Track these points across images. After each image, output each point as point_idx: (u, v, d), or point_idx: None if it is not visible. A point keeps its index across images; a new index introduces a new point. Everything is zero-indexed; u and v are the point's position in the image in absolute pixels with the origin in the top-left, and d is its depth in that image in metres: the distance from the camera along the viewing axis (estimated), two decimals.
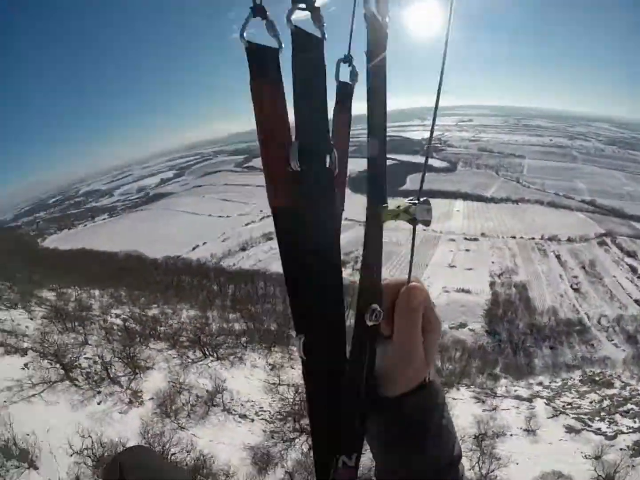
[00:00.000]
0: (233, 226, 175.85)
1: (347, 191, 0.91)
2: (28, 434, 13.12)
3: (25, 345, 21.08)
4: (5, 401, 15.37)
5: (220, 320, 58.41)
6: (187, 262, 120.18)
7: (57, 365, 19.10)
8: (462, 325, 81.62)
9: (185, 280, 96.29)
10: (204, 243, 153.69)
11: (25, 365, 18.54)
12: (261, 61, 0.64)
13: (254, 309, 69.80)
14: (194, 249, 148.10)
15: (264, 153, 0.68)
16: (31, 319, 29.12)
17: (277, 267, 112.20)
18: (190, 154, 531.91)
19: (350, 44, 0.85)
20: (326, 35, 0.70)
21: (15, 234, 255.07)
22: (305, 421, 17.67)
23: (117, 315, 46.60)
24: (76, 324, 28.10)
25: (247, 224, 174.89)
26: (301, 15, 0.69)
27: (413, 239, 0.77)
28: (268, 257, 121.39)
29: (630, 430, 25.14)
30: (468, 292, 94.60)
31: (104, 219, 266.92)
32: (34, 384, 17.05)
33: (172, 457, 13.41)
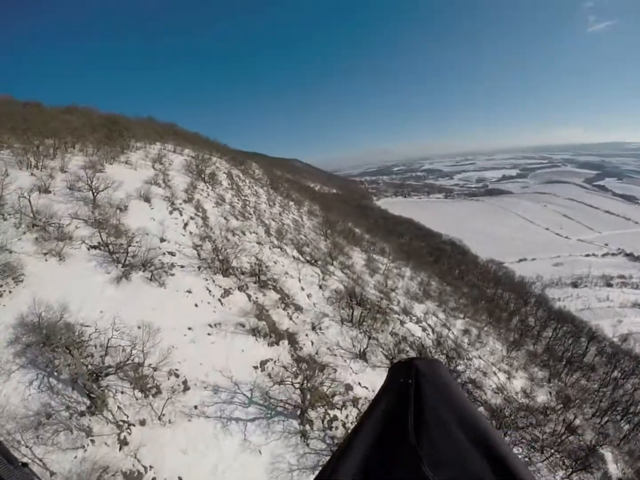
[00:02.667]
0: (570, 251, 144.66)
1: None
2: None
3: None
4: None
5: (526, 381, 42.77)
6: (509, 274, 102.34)
7: None
8: None
9: (501, 297, 79.94)
10: (533, 259, 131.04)
11: None
12: None
13: (572, 377, 49.48)
14: (520, 261, 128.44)
15: None
16: None
17: (608, 326, 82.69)
18: (537, 156, 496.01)
19: None
20: None
21: (358, 187, 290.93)
22: None
23: (417, 320, 39.37)
24: None
25: (586, 255, 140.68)
26: None
27: None
28: (601, 309, 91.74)
29: None
30: None
31: (438, 198, 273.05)
32: None
33: None
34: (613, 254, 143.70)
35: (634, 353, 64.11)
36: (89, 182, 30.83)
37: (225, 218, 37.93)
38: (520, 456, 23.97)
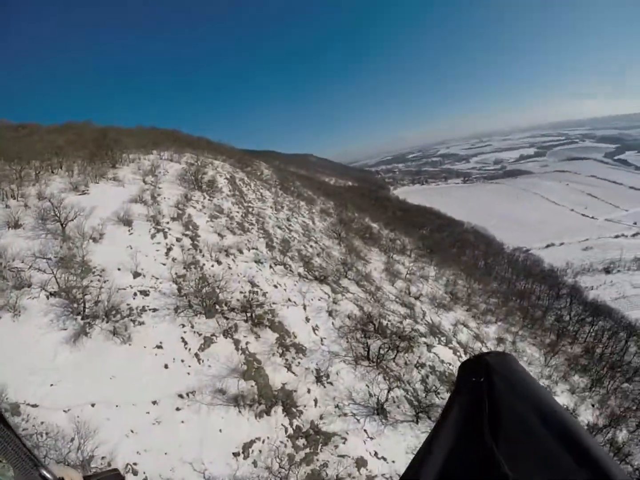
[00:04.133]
0: (598, 233, 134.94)
1: None
2: None
3: None
4: None
5: (568, 395, 36.82)
6: (537, 261, 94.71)
7: None
8: None
9: (532, 291, 72.86)
10: (561, 244, 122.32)
11: None
12: None
13: (614, 381, 42.82)
14: (547, 246, 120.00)
15: None
16: None
17: None
18: (554, 133, 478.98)
19: None
20: None
21: (374, 177, 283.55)
22: None
23: (447, 341, 32.49)
24: None
25: (615, 236, 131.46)
26: None
27: None
28: (637, 296, 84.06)
29: None
30: None
31: (456, 183, 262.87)
32: None
33: None
34: None
35: None
36: (55, 212, 26.21)
37: (219, 234, 32.47)
38: None
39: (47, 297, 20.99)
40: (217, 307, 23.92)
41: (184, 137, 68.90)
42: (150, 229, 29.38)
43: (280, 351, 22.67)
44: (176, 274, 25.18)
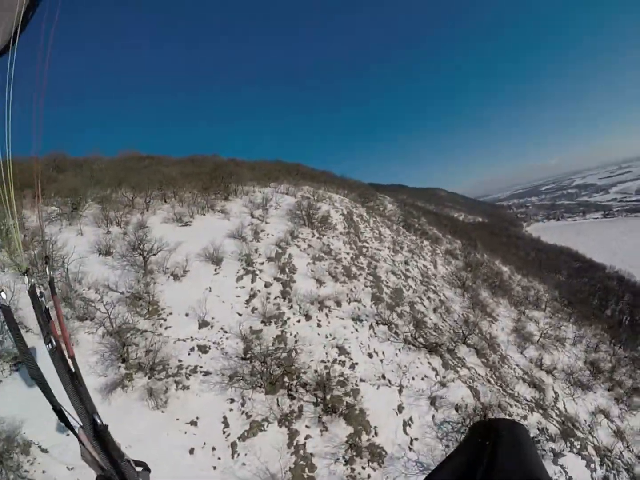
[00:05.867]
0: None
1: None
2: None
3: None
4: None
5: None
6: None
7: None
8: None
9: None
10: None
11: None
12: None
13: None
14: None
15: None
16: None
17: None
18: None
19: None
20: None
21: (505, 212, 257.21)
22: None
23: (580, 447, 21.34)
24: None
25: None
26: None
27: None
28: None
29: None
30: None
31: (596, 218, 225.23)
32: None
33: None
34: None
35: None
36: (137, 243, 22.77)
37: (318, 280, 26.26)
38: None
39: (103, 336, 17.83)
40: (286, 379, 17.76)
41: (306, 171, 65.79)
42: (238, 270, 24.44)
43: (349, 455, 15.40)
44: (250, 328, 19.95)
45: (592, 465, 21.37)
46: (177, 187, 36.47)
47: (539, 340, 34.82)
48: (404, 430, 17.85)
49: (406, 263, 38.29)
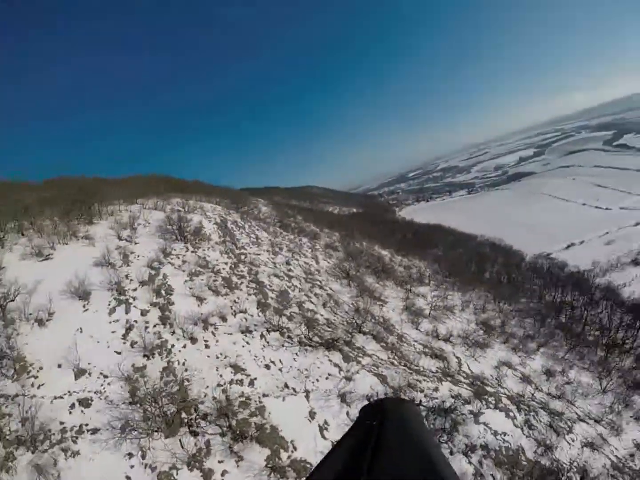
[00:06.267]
0: (617, 223, 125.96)
1: None
2: None
3: None
4: None
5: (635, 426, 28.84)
6: (562, 265, 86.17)
7: None
8: None
9: (565, 302, 64.26)
10: (581, 242, 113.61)
11: None
12: None
13: None
14: (568, 247, 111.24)
15: None
16: None
17: None
18: (549, 130, 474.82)
19: None
20: None
21: (378, 201, 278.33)
22: None
23: (496, 401, 24.12)
24: None
25: (636, 224, 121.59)
26: None
27: None
28: None
29: None
30: None
31: (461, 195, 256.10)
32: None
33: None
34: None
35: None
36: None
37: (198, 297, 25.69)
38: None
39: None
40: (183, 415, 16.58)
41: (177, 182, 63.25)
42: (110, 301, 22.98)
43: (274, 479, 15.00)
44: (133, 365, 18.34)
45: (511, 414, 23.92)
46: (34, 215, 32.75)
47: (430, 313, 37.97)
48: (322, 436, 18.01)
49: (287, 263, 39.58)
